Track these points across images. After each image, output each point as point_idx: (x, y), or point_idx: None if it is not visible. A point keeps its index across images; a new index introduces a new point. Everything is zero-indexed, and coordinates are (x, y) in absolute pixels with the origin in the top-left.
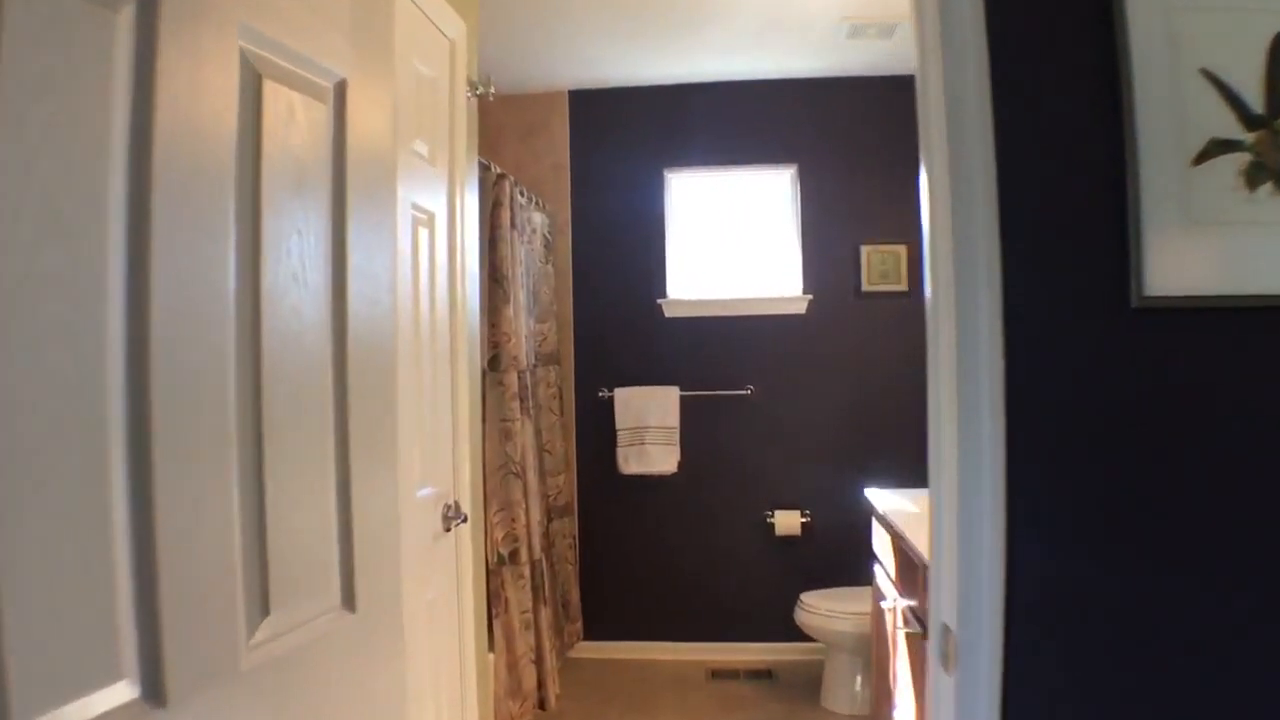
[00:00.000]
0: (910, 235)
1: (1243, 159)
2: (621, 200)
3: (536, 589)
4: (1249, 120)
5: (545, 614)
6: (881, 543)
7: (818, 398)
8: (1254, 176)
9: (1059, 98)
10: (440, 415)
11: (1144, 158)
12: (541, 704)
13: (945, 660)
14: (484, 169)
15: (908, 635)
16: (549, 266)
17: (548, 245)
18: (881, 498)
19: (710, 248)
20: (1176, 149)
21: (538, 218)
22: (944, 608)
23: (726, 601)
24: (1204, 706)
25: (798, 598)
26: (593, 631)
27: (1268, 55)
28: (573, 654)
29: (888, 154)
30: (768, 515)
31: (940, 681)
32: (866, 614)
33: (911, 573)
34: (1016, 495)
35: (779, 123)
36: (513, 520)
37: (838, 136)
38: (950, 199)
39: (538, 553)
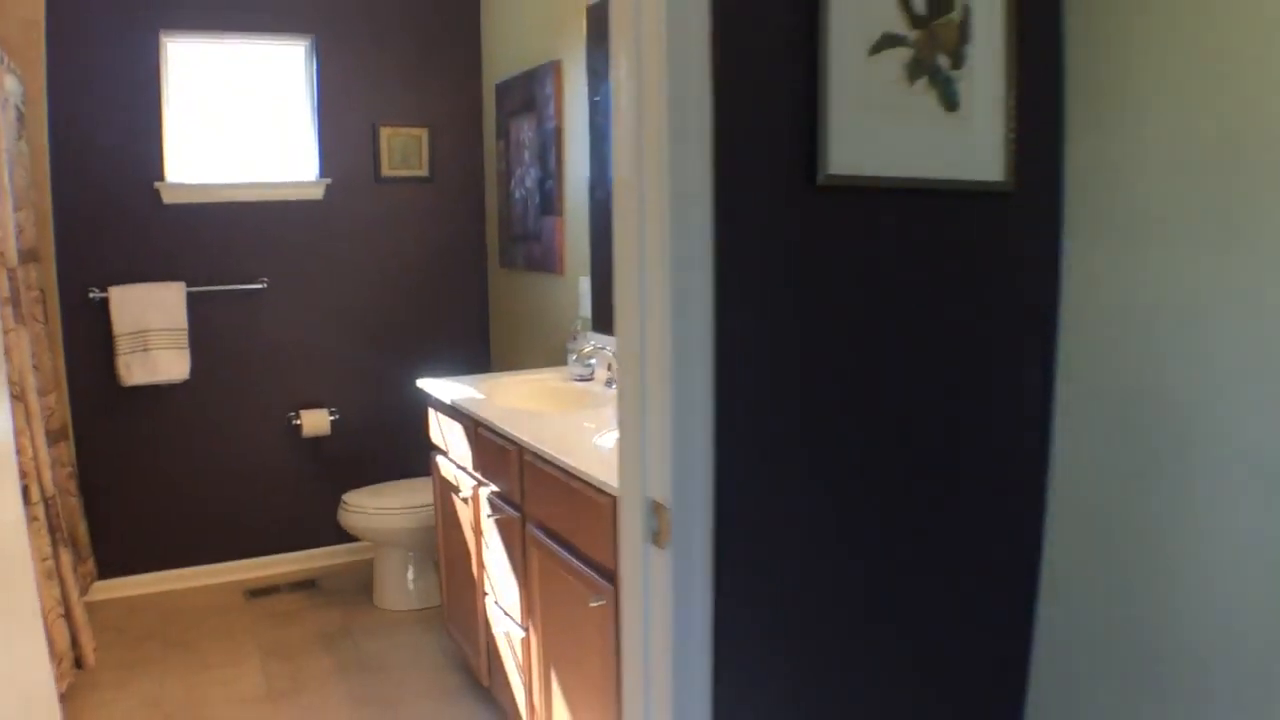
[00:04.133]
0: (431, 118)
1: (906, 54)
2: (109, 67)
3: (54, 530)
4: (914, 19)
5: (66, 558)
6: (450, 433)
7: (340, 289)
8: (914, 70)
9: None
10: None
11: (833, 46)
12: (78, 662)
13: (656, 536)
14: None
15: (499, 521)
16: (22, 144)
17: (20, 118)
18: (442, 387)
19: (216, 126)
20: (859, 40)
21: (10, 82)
22: (653, 485)
23: (258, 514)
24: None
25: (340, 499)
26: (109, 569)
27: None
28: (88, 598)
29: (409, 32)
30: (293, 417)
31: (650, 557)
32: (420, 507)
33: (500, 459)
34: (724, 376)
35: None
36: (17, 452)
37: (357, 9)
38: (668, 82)
39: (50, 488)
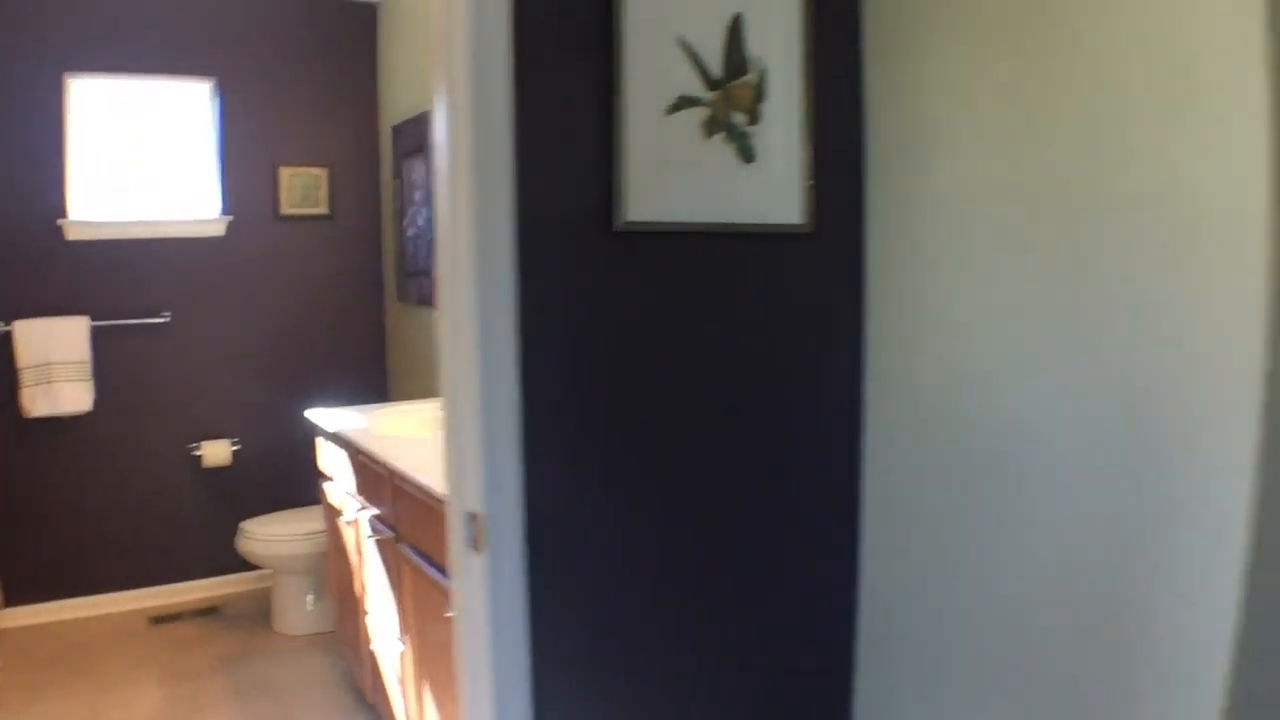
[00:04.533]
0: (331, 158)
1: (703, 112)
2: (13, 107)
3: None
4: (710, 82)
5: None
6: (336, 460)
7: (241, 322)
8: (710, 127)
9: (565, 56)
10: None
11: (630, 107)
12: None
13: (474, 543)
14: None
15: (378, 542)
16: None
17: None
18: (328, 417)
19: (120, 164)
20: (655, 101)
21: None
22: (469, 498)
23: (161, 543)
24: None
25: (238, 527)
26: (15, 597)
27: (727, 31)
28: None
29: (310, 75)
30: (194, 448)
31: (470, 562)
32: (315, 533)
33: (376, 484)
34: (531, 396)
35: (198, 32)
36: None
37: (260, 52)
38: (473, 136)
39: None
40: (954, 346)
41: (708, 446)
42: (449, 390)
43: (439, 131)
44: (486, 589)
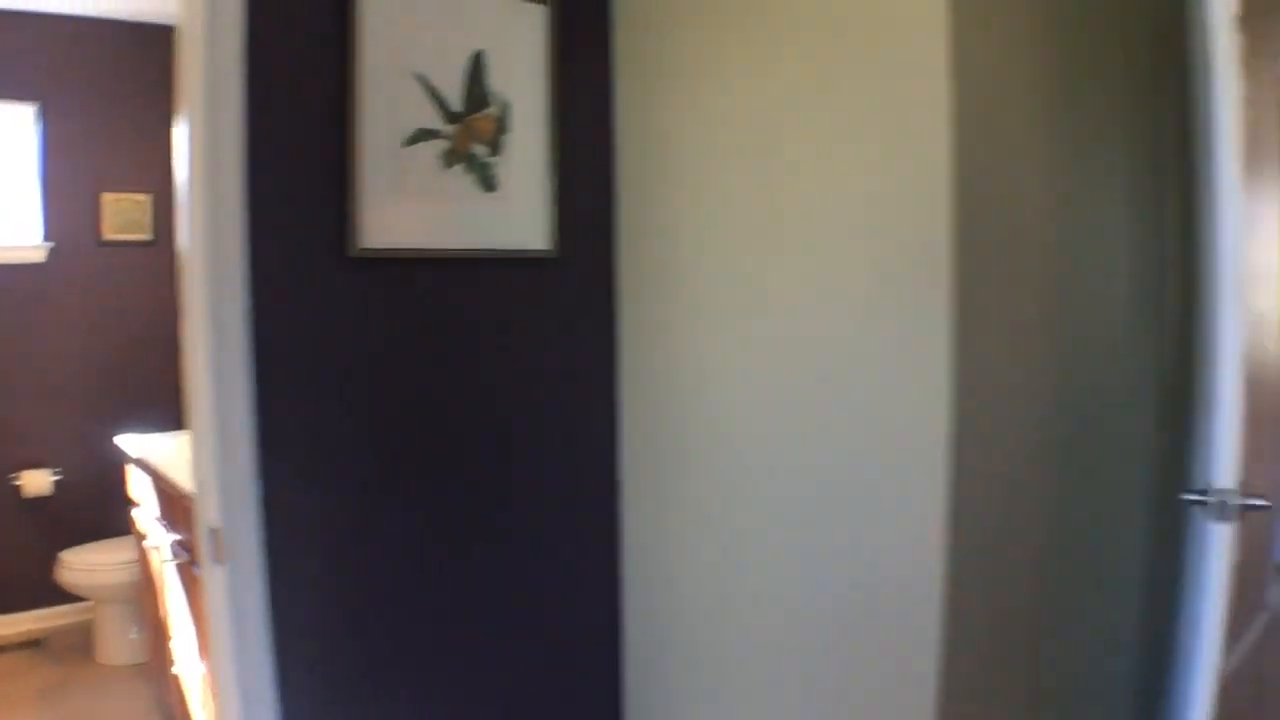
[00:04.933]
0: (155, 184)
1: (442, 145)
2: None
3: None
4: (450, 115)
5: None
6: (142, 486)
7: (64, 349)
8: (450, 158)
9: (300, 90)
10: None
11: (367, 139)
12: None
13: (217, 555)
14: None
15: (178, 566)
16: None
17: None
18: (136, 443)
19: None
20: (393, 134)
21: None
22: (211, 515)
23: None
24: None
25: (58, 558)
26: None
27: (468, 67)
28: None
29: (135, 100)
30: (13, 478)
31: (213, 574)
32: (134, 562)
33: (174, 507)
34: (266, 418)
35: (21, 56)
36: None
37: (84, 77)
38: (205, 167)
39: None
40: (703, 366)
41: (451, 467)
42: (192, 412)
43: (180, 163)
44: (227, 599)
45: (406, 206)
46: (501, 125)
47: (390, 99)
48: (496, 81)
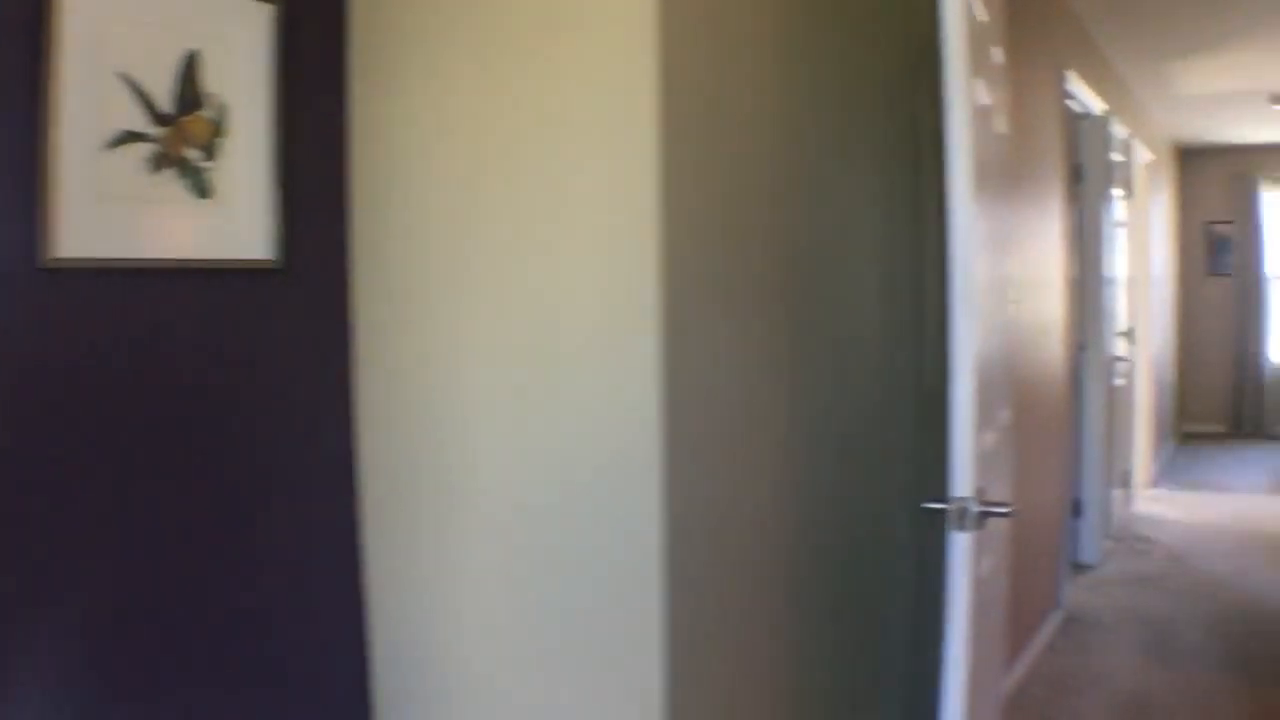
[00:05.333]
0: None
1: (149, 148)
2: None
3: None
4: (159, 117)
5: None
6: None
7: None
8: (159, 162)
9: None
10: None
11: (63, 141)
12: None
13: None
14: None
15: None
16: None
17: None
18: None
19: None
20: (94, 136)
21: None
22: None
23: None
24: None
25: None
26: None
27: (181, 67)
28: None
29: None
30: None
31: None
32: None
33: None
34: None
35: None
36: None
37: None
38: None
39: None
40: (436, 378)
41: (159, 493)
42: None
43: None
44: None
45: (109, 214)
46: (218, 129)
47: (93, 99)
48: (212, 82)
